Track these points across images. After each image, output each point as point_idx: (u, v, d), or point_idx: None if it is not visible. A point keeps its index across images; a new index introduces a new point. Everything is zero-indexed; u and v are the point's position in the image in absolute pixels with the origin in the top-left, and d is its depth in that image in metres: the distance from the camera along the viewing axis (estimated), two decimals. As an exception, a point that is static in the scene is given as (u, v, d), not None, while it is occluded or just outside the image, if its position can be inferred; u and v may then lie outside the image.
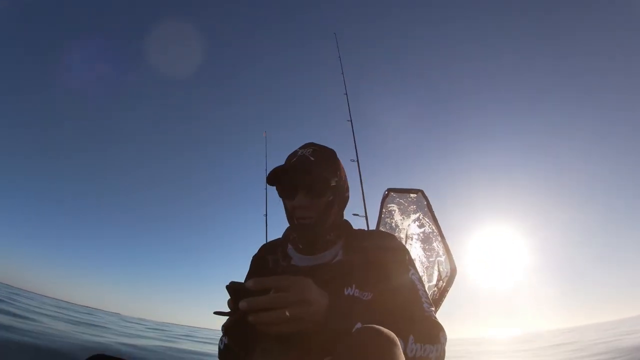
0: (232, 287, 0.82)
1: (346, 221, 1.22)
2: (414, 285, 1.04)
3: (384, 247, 1.11)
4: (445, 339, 0.93)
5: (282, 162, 1.15)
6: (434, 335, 0.90)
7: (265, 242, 1.30)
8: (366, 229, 2.08)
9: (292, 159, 1.13)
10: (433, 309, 1.01)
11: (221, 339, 1.07)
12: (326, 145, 1.20)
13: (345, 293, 1.01)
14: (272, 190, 1.12)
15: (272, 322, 0.76)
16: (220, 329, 1.15)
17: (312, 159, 1.09)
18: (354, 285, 1.02)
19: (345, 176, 1.20)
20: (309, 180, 1.06)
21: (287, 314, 0.76)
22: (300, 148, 1.15)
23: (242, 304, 0.76)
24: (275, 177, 1.09)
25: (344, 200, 1.19)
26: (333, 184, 1.09)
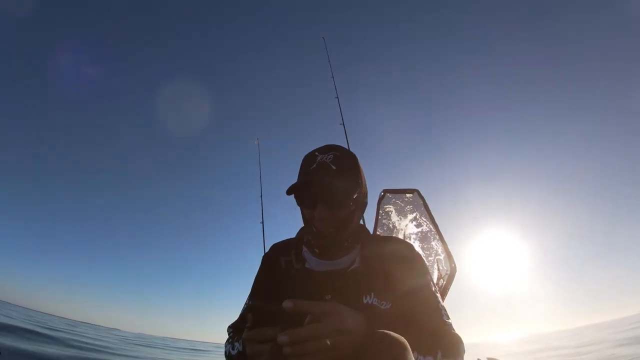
0: (257, 307, 0.79)
1: (363, 226, 1.20)
2: (434, 297, 1.03)
3: (402, 255, 1.09)
4: (464, 350, 0.93)
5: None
6: (456, 348, 0.91)
7: (268, 245, 1.26)
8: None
9: (310, 164, 1.06)
10: (450, 321, 1.00)
11: (231, 343, 1.04)
12: (349, 149, 1.15)
13: (364, 301, 1.00)
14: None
15: (311, 353, 0.74)
16: (226, 330, 1.12)
17: (334, 167, 1.04)
18: (372, 294, 1.01)
19: (365, 182, 1.16)
20: (330, 194, 1.01)
21: (328, 343, 0.74)
22: (318, 152, 1.08)
23: (283, 338, 0.73)
24: (295, 190, 1.05)
25: (363, 206, 1.16)
26: (355, 196, 1.05)
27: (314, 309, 0.75)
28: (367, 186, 1.17)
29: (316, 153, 1.08)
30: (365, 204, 1.18)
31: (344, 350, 0.76)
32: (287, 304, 0.74)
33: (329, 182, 1.01)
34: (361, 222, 2.15)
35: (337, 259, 1.09)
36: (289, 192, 1.04)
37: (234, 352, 1.01)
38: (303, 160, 1.11)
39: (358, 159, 1.14)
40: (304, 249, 1.15)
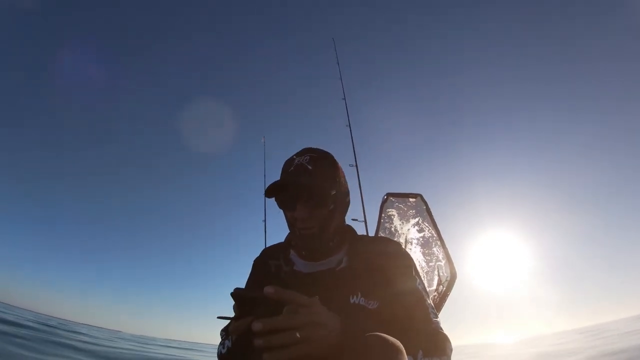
0: (238, 295, 0.80)
1: (349, 226, 1.20)
2: (421, 296, 1.03)
3: (389, 255, 1.09)
4: (451, 350, 0.93)
5: (281, 168, 1.13)
6: (441, 347, 0.91)
7: (265, 247, 1.29)
8: (365, 234, 2.07)
9: (288, 167, 1.09)
10: (438, 320, 1.00)
11: (222, 343, 1.06)
12: (324, 149, 1.17)
13: (351, 301, 1.00)
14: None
15: (282, 344, 0.72)
16: (219, 333, 1.13)
17: (310, 167, 1.06)
18: (359, 294, 1.01)
19: (345, 180, 1.17)
20: (308, 192, 1.03)
21: (298, 335, 0.73)
22: (296, 155, 1.12)
23: (257, 325, 0.72)
24: (273, 191, 1.07)
25: (345, 205, 1.16)
26: (333, 192, 1.06)
27: (292, 299, 0.76)
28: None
29: (294, 157, 1.11)
30: (348, 202, 1.18)
31: (316, 346, 0.75)
32: (269, 289, 0.74)
33: (305, 181, 1.03)
34: (363, 225, 2.17)
35: (324, 260, 1.09)
36: (267, 194, 1.06)
37: (224, 351, 1.03)
38: (283, 165, 1.13)
39: (335, 158, 1.15)
40: (292, 252, 1.16)
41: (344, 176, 1.18)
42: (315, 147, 1.16)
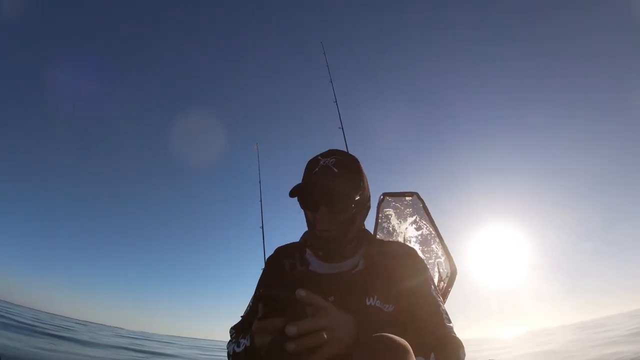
0: (266, 295, 0.81)
1: (366, 230, 1.21)
2: (436, 301, 1.05)
3: (406, 259, 1.11)
4: (465, 355, 0.94)
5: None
6: (455, 352, 0.92)
7: (268, 249, 1.28)
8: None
9: (313, 167, 1.09)
10: (452, 325, 1.02)
11: (235, 342, 1.05)
12: (351, 153, 1.17)
13: (367, 303, 1.01)
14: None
15: (313, 346, 0.75)
16: (229, 331, 1.13)
17: (336, 170, 1.06)
18: (375, 296, 1.02)
19: (368, 185, 1.18)
20: (331, 196, 1.03)
21: (325, 336, 0.76)
22: (321, 156, 1.12)
23: (292, 329, 0.74)
24: (298, 191, 1.06)
25: (366, 210, 1.18)
26: (357, 198, 1.07)
27: (320, 302, 0.79)
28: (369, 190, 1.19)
29: (319, 157, 1.11)
30: (368, 207, 1.19)
31: (338, 346, 0.78)
32: (300, 292, 0.76)
33: (330, 184, 1.03)
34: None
35: (341, 262, 1.10)
36: (291, 195, 1.07)
37: (239, 349, 1.01)
38: (307, 164, 1.13)
39: (360, 162, 1.16)
40: (308, 252, 1.16)
41: (367, 181, 1.18)
42: (340, 149, 1.16)
